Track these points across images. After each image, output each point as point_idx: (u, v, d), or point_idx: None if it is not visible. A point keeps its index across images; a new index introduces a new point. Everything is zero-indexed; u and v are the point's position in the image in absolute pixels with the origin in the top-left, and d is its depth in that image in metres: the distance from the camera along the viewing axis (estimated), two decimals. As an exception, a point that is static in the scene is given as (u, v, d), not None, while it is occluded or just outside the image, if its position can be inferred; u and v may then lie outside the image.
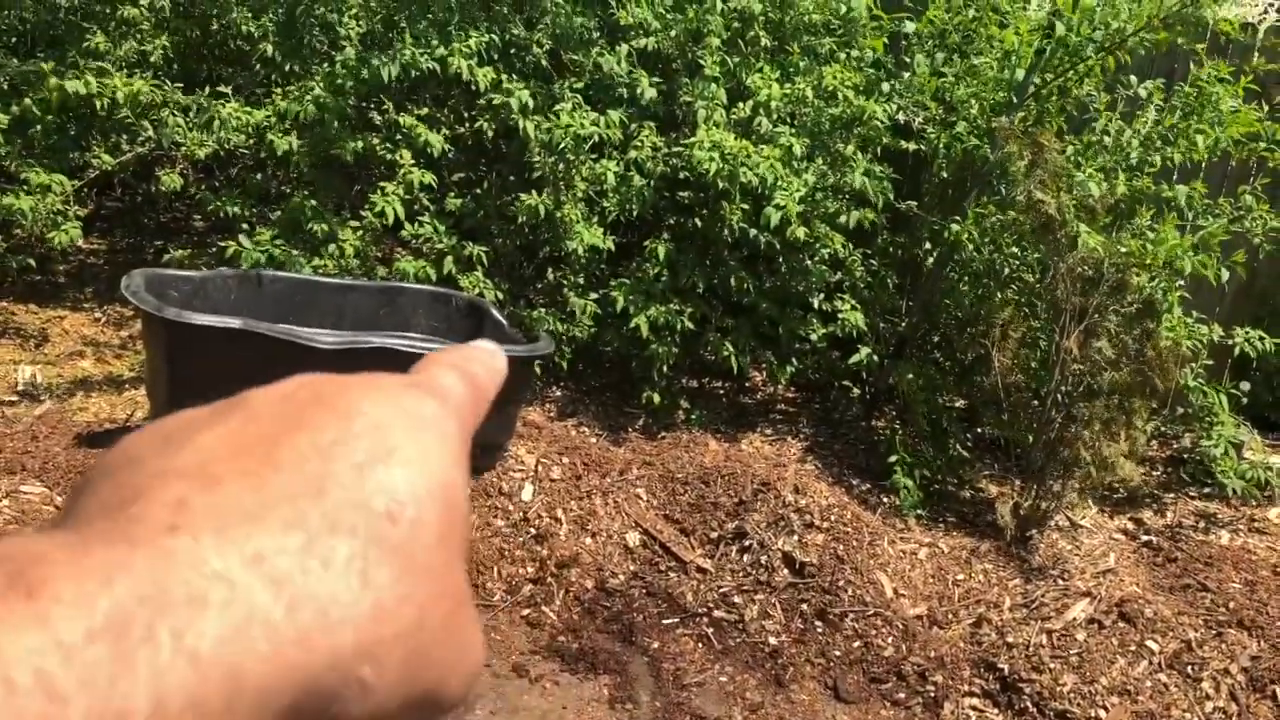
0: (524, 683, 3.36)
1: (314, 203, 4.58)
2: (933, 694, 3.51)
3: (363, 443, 0.35)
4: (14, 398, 4.37)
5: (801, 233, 4.33)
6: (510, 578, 3.80)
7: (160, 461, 0.34)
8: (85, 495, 0.34)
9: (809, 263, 4.75)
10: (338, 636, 0.31)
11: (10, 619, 0.26)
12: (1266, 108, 4.37)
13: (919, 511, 4.31)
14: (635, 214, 4.71)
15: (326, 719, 0.32)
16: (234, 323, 3.49)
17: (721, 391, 5.38)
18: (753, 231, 4.50)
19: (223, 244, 4.45)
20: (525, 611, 3.70)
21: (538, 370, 4.81)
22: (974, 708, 3.46)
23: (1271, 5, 7.20)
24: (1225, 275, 4.15)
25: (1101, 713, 3.30)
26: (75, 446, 3.85)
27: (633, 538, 4.03)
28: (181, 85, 4.74)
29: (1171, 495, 4.61)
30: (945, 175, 4.83)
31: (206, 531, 0.31)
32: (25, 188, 4.41)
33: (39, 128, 4.73)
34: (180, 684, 0.28)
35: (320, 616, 0.31)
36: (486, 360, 0.45)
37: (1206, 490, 4.54)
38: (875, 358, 4.85)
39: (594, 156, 4.69)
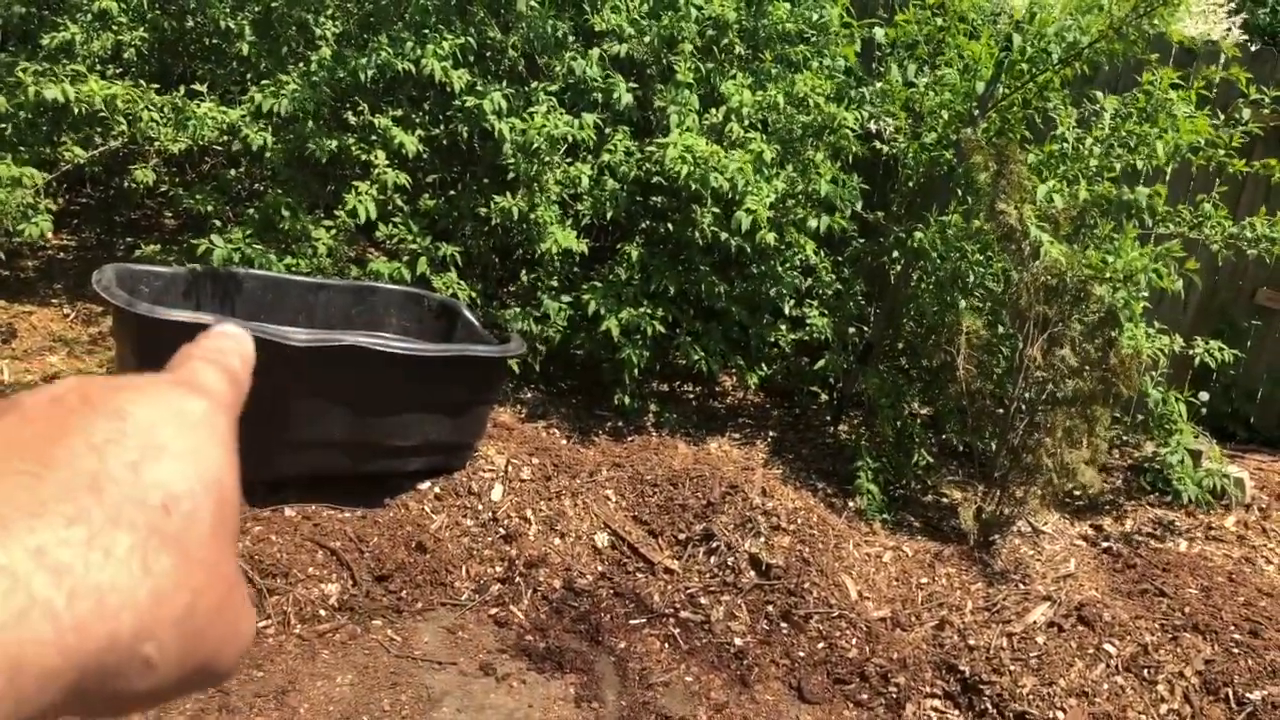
0: (491, 681, 3.38)
1: (288, 201, 4.58)
2: (895, 695, 3.56)
3: (133, 441, 0.37)
4: (-20, 392, 4.34)
5: (771, 238, 4.38)
6: (478, 577, 3.82)
7: None
8: None
9: (780, 269, 4.80)
10: (117, 621, 0.34)
11: None
12: (1223, 117, 4.46)
13: (884, 516, 4.36)
14: (609, 217, 4.74)
15: (110, 692, 0.35)
16: (206, 319, 3.49)
17: (691, 395, 5.42)
18: (723, 235, 4.55)
19: (195, 241, 4.44)
20: (493, 611, 3.72)
21: (516, 369, 4.84)
22: (935, 709, 3.51)
23: (1234, 24, 7.33)
24: (1179, 284, 4.23)
25: (1060, 714, 3.36)
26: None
27: (601, 538, 4.05)
28: (158, 86, 4.72)
29: (1132, 502, 4.69)
30: (913, 185, 4.90)
31: None
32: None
33: (10, 125, 4.70)
34: None
35: (100, 604, 0.33)
36: (238, 349, 0.48)
37: (1166, 498, 4.62)
38: (841, 364, 4.91)
39: (568, 160, 4.73)
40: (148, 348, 3.54)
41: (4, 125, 4.67)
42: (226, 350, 0.47)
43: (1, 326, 4.93)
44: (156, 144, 4.64)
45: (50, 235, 4.81)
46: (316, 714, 3.09)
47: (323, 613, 3.50)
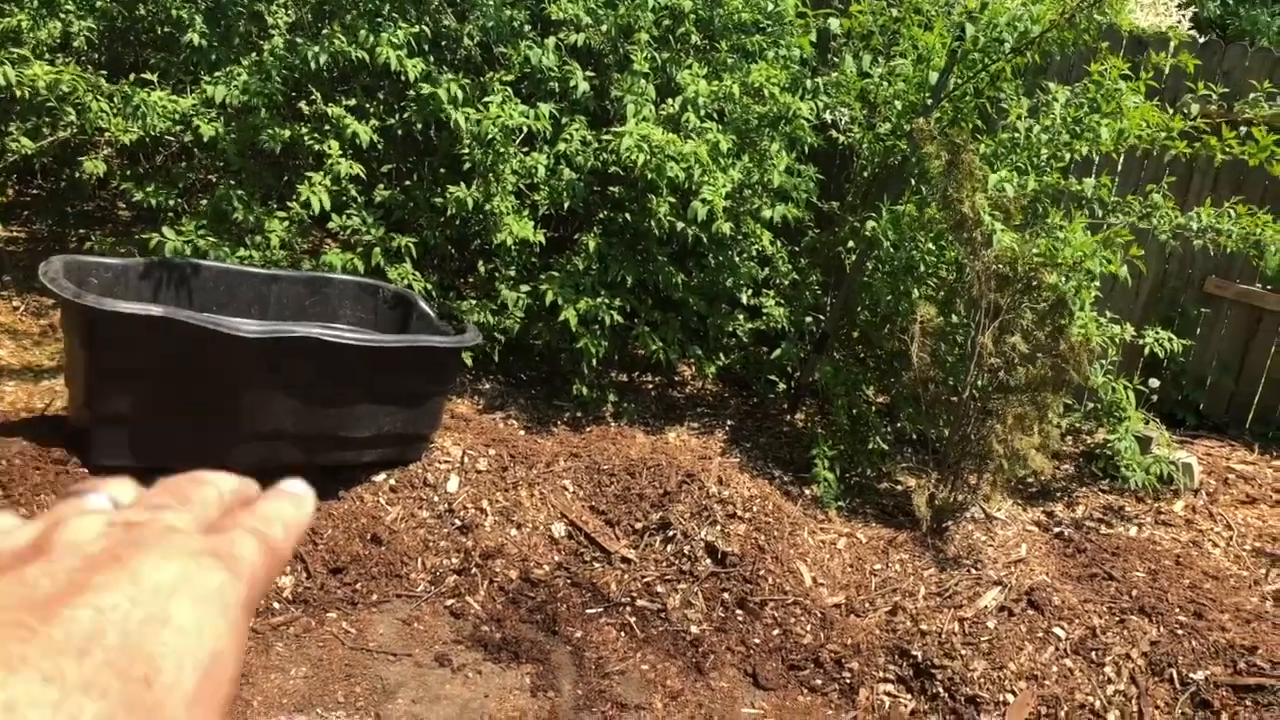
0: (446, 672, 3.38)
1: (240, 192, 4.54)
2: (849, 680, 3.59)
3: (140, 610, 0.38)
4: (-73, 386, 4.27)
5: (728, 227, 4.40)
6: (434, 568, 3.81)
7: None
8: None
9: (737, 259, 4.82)
10: None
11: None
12: (1172, 110, 4.52)
13: (839, 503, 4.40)
14: (566, 207, 4.74)
15: None
16: (155, 310, 3.46)
17: (650, 385, 5.44)
18: (680, 225, 4.56)
19: (146, 235, 4.39)
20: (449, 602, 3.71)
21: (474, 360, 4.82)
22: (888, 693, 3.55)
23: (1184, 17, 7.43)
24: (1124, 272, 4.29)
25: (1009, 696, 3.40)
26: (-10, 435, 3.78)
27: (558, 528, 4.06)
28: (106, 73, 4.66)
29: (1084, 489, 4.76)
30: (868, 175, 4.93)
31: None
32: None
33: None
34: None
35: None
36: (289, 517, 0.48)
37: (1117, 484, 4.69)
38: (798, 353, 4.94)
39: (524, 150, 4.71)
40: (96, 339, 3.50)
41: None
42: (275, 519, 0.47)
43: (-51, 319, 4.85)
44: (107, 135, 4.58)
45: (-1, 224, 4.74)
46: (270, 706, 3.08)
47: (276, 605, 3.49)
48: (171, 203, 4.73)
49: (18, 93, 4.28)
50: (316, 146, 4.57)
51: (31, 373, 4.51)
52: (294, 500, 0.50)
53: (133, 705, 0.36)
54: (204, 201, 4.66)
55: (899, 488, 4.67)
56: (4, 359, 4.61)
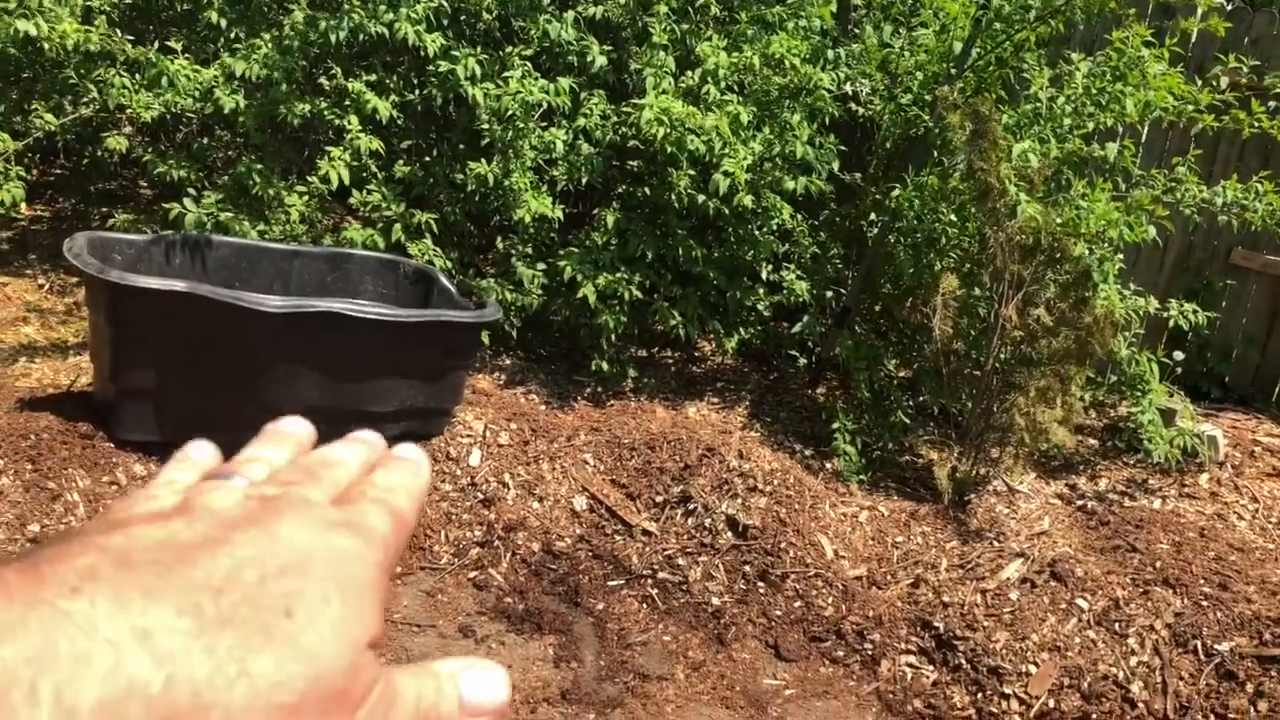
0: (470, 643, 3.41)
1: (260, 167, 4.55)
2: (871, 652, 3.60)
3: (277, 561, 0.38)
4: (-45, 363, 4.32)
5: (749, 200, 4.38)
6: (457, 541, 3.83)
7: (97, 537, 0.37)
8: (17, 558, 0.37)
9: (757, 233, 4.80)
10: (207, 718, 0.33)
11: None
12: (1199, 80, 4.46)
13: (860, 477, 4.39)
14: (584, 182, 4.73)
15: None
16: (178, 285, 3.48)
17: (670, 360, 5.44)
18: (700, 198, 4.54)
19: (167, 206, 4.41)
20: (472, 574, 3.74)
21: (494, 335, 4.83)
22: (910, 665, 3.55)
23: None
24: (1152, 233, 4.24)
25: (1032, 668, 3.40)
26: (17, 411, 3.82)
27: (579, 502, 4.07)
28: (133, 39, 4.68)
29: (1107, 462, 4.73)
30: (890, 146, 4.90)
31: (104, 599, 0.33)
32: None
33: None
34: None
35: (193, 697, 0.33)
36: (411, 484, 0.48)
37: (1141, 457, 4.66)
38: (819, 327, 4.92)
39: (543, 124, 4.70)
40: (119, 315, 3.53)
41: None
42: (398, 489, 0.47)
43: (-25, 297, 4.90)
44: (129, 111, 4.60)
45: (23, 203, 4.77)
46: (295, 677, 3.11)
47: (301, 578, 3.52)
48: (193, 177, 4.75)
49: (46, 46, 4.28)
50: (336, 121, 4.58)
51: (58, 349, 4.55)
52: (412, 468, 0.50)
53: (269, 635, 0.36)
54: (225, 177, 4.68)
55: (920, 461, 4.66)
56: (31, 336, 4.65)
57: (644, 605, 3.72)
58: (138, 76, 4.62)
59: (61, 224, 5.73)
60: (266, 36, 4.53)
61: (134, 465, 3.65)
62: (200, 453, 0.50)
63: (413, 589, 3.62)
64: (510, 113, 4.47)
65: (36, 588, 0.33)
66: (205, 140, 5.23)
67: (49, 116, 4.56)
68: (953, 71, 4.45)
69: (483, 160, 4.57)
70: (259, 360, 3.67)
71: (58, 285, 5.16)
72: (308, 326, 3.63)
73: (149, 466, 3.67)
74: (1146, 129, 5.13)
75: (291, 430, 0.52)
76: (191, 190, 4.62)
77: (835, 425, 4.47)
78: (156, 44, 4.66)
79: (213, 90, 4.48)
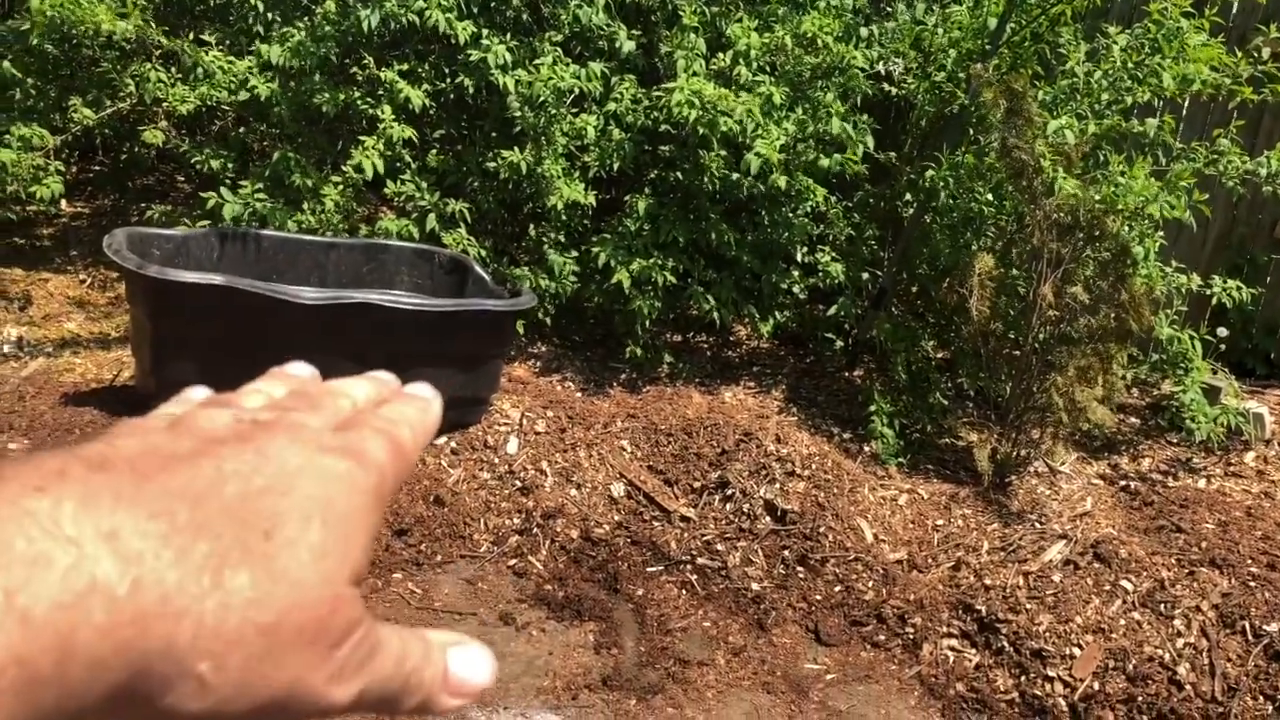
0: (510, 630, 3.42)
1: (296, 157, 4.58)
2: (912, 636, 3.58)
3: (262, 479, 0.37)
4: (1, 358, 4.39)
5: (783, 181, 4.34)
6: (497, 529, 3.85)
7: (76, 448, 0.35)
8: None
9: (791, 215, 4.77)
10: (177, 626, 0.32)
11: None
12: (1239, 51, 4.37)
13: (899, 459, 4.36)
14: (616, 168, 4.72)
15: (161, 708, 0.33)
16: (216, 279, 3.51)
17: (705, 345, 5.42)
18: (734, 178, 4.51)
19: (204, 195, 4.45)
20: (512, 561, 3.75)
21: (529, 323, 4.84)
22: (952, 648, 3.53)
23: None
24: (1187, 215, 4.16)
25: (1076, 650, 3.37)
26: (61, 406, 3.88)
27: (617, 488, 4.08)
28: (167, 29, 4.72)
29: (1150, 441, 4.67)
30: (924, 125, 4.84)
31: (70, 499, 0.32)
32: (7, 142, 4.41)
33: (19, 89, 4.71)
34: (6, 642, 0.29)
35: (162, 603, 0.32)
36: (416, 419, 0.47)
37: (1184, 436, 4.60)
38: (855, 309, 4.89)
39: (574, 111, 4.69)
40: (158, 309, 3.57)
41: (13, 90, 4.68)
42: (401, 421, 0.45)
43: (18, 294, 4.97)
44: (165, 105, 4.64)
45: (62, 197, 4.83)
46: (339, 665, 3.14)
47: (343, 567, 3.54)
48: (229, 167, 4.78)
49: (78, 34, 4.32)
50: (370, 111, 4.59)
51: (100, 344, 4.61)
52: (421, 404, 0.48)
53: (247, 551, 0.34)
54: (261, 167, 4.71)
55: (960, 443, 4.62)
56: (74, 331, 4.71)
57: (683, 591, 3.73)
58: (173, 70, 4.66)
59: (101, 220, 5.80)
60: (300, 25, 4.55)
61: (177, 457, 3.69)
62: (198, 392, 0.48)
63: (453, 576, 3.64)
64: (541, 99, 4.47)
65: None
66: (241, 131, 5.27)
67: (87, 111, 4.61)
68: (988, 48, 4.39)
69: (515, 148, 4.57)
70: (297, 352, 3.65)
71: (99, 280, 5.23)
72: (344, 318, 3.65)
73: (191, 458, 3.71)
74: (1187, 103, 5.03)
75: (295, 372, 0.51)
76: (228, 181, 4.66)
77: (873, 408, 4.44)
78: (191, 36, 4.69)
79: (248, 80, 4.51)
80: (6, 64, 4.59)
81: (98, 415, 3.78)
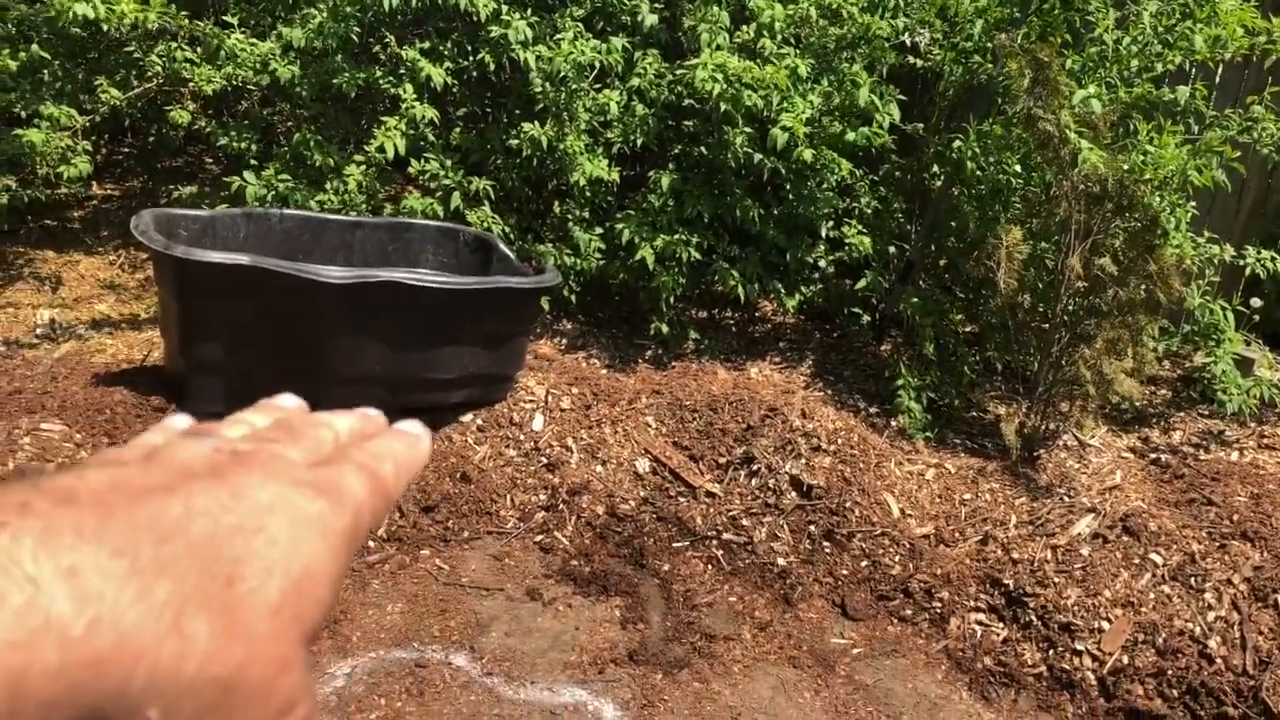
0: (537, 606, 3.44)
1: (318, 138, 4.59)
2: (939, 610, 3.57)
3: (232, 518, 0.36)
4: (34, 340, 4.44)
5: (809, 154, 4.31)
6: (523, 505, 3.87)
7: (45, 480, 0.35)
8: None
9: (816, 189, 4.74)
10: (132, 669, 0.31)
11: None
12: (1275, 17, 4.28)
13: (926, 434, 4.34)
14: (639, 144, 4.70)
15: None
16: (242, 259, 3.53)
17: (731, 321, 5.41)
18: (758, 156, 4.48)
19: (228, 179, 4.48)
20: (538, 538, 3.77)
21: (553, 300, 4.84)
22: (980, 622, 3.52)
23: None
24: (1221, 177, 4.09)
25: (1104, 624, 3.35)
26: (93, 386, 3.93)
27: (642, 464, 4.08)
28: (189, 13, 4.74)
29: (1181, 414, 4.62)
30: (951, 95, 4.79)
31: (30, 534, 0.31)
32: (36, 121, 4.45)
33: (48, 70, 4.75)
34: None
35: (119, 644, 0.31)
36: (402, 454, 0.46)
37: (1216, 408, 4.54)
38: (883, 283, 4.86)
39: (597, 86, 4.67)
40: (186, 289, 3.60)
41: (42, 71, 4.71)
42: (386, 456, 0.45)
43: (50, 276, 5.03)
44: (191, 85, 4.67)
45: (91, 178, 4.88)
46: (368, 641, 3.18)
47: (371, 544, 3.58)
48: (254, 148, 4.81)
49: (106, 27, 4.35)
50: (392, 90, 4.59)
51: (131, 324, 4.66)
52: (408, 440, 0.48)
53: (208, 598, 0.34)
54: (283, 147, 4.73)
55: (988, 417, 4.59)
56: (104, 312, 4.76)
57: (709, 566, 3.73)
58: (199, 50, 4.68)
59: (131, 202, 5.85)
60: (322, 4, 4.55)
61: (206, 436, 3.72)
62: (180, 421, 0.48)
63: (480, 552, 3.66)
64: (563, 75, 4.45)
65: None
66: (265, 111, 5.29)
67: (114, 91, 4.64)
68: (1016, 15, 4.33)
69: (536, 124, 4.56)
70: (323, 331, 3.72)
71: (129, 262, 5.28)
72: (370, 296, 3.67)
73: (221, 437, 3.75)
74: (1221, 69, 4.94)
75: (282, 403, 0.51)
76: (253, 162, 4.69)
77: (899, 382, 4.42)
78: (213, 19, 4.71)
79: (268, 63, 4.52)
80: (35, 46, 4.62)
81: (128, 395, 3.83)
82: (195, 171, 6.24)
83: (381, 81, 4.60)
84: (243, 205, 4.37)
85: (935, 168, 4.83)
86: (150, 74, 4.75)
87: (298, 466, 0.41)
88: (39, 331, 4.51)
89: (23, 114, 4.70)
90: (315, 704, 0.39)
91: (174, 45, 4.64)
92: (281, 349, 3.72)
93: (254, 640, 0.35)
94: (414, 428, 0.49)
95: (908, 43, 4.88)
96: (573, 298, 4.87)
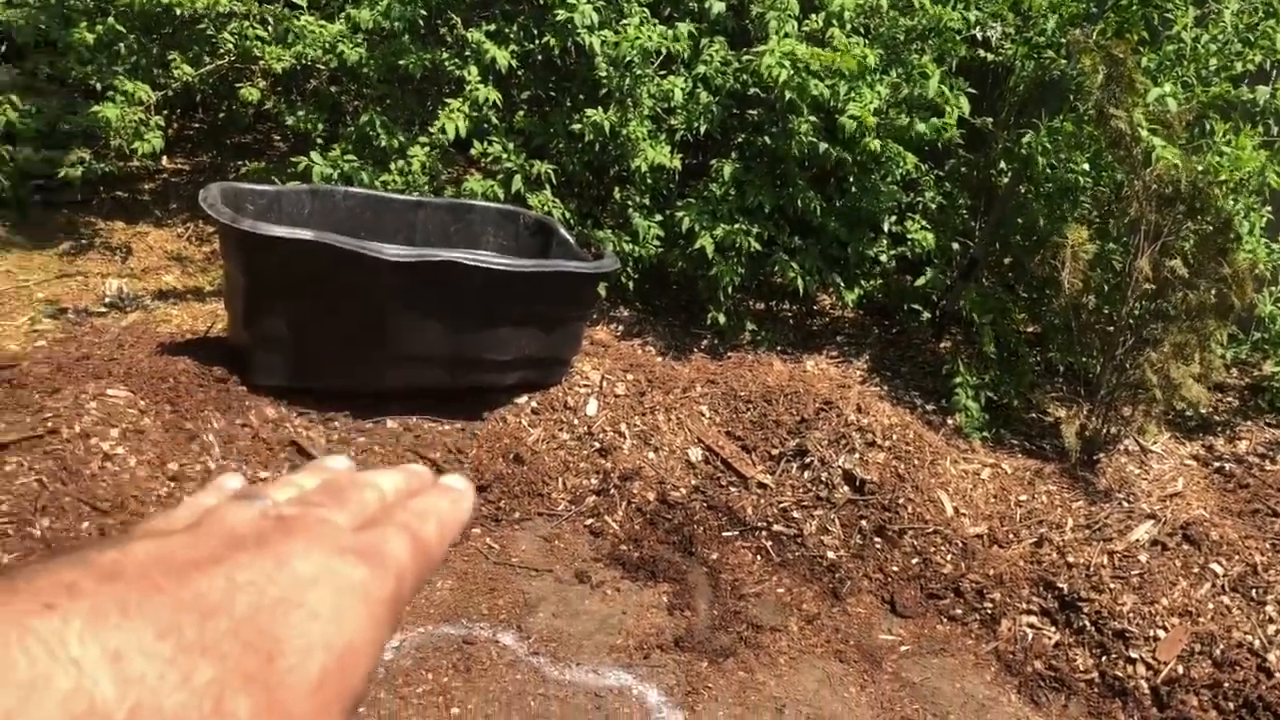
0: (585, 588, 3.46)
1: (383, 119, 4.63)
2: (990, 611, 3.53)
3: (276, 590, 0.36)
4: (102, 309, 4.54)
5: (875, 145, 4.26)
6: (574, 488, 3.88)
7: (93, 552, 0.35)
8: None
9: (880, 182, 4.69)
10: None
11: None
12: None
13: (983, 433, 4.29)
14: (703, 131, 4.68)
15: None
16: (305, 234, 3.58)
17: (788, 314, 5.37)
18: (824, 145, 4.44)
19: (295, 159, 4.54)
20: (588, 521, 3.78)
21: (611, 286, 4.85)
22: (1031, 625, 3.47)
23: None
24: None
25: (1160, 633, 3.29)
26: (158, 355, 4.00)
27: (695, 453, 4.08)
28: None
29: (1248, 423, 4.51)
30: (1021, 91, 4.71)
31: (78, 616, 0.31)
32: (111, 95, 4.54)
33: (124, 44, 4.84)
34: None
35: None
36: (448, 513, 0.46)
37: (1285, 418, 4.43)
38: (944, 280, 4.80)
39: (661, 72, 4.66)
40: (251, 262, 3.65)
41: (118, 45, 4.81)
42: (429, 514, 0.45)
43: (120, 246, 5.13)
44: (261, 63, 4.73)
45: (163, 153, 4.96)
46: (419, 617, 3.21)
47: (423, 520, 3.61)
48: (320, 128, 4.86)
49: (178, 11, 4.43)
50: (456, 72, 4.62)
51: (196, 296, 4.74)
52: (452, 496, 0.48)
53: (250, 678, 0.34)
54: (350, 128, 4.78)
55: (1047, 419, 4.52)
56: (170, 284, 4.85)
57: (758, 557, 3.72)
58: (270, 29, 4.74)
59: (200, 176, 5.95)
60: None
61: (266, 409, 3.79)
62: (232, 481, 0.48)
63: (530, 533, 3.68)
64: (628, 60, 4.45)
65: (7, 603, 0.31)
66: (333, 90, 5.35)
67: (187, 68, 4.72)
68: (1093, 10, 4.24)
69: (599, 109, 4.56)
70: (383, 308, 3.75)
71: (197, 235, 5.37)
72: (430, 276, 3.69)
73: (279, 410, 3.81)
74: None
75: (332, 465, 0.51)
76: (319, 141, 4.74)
77: (958, 380, 4.36)
78: (282, 3, 4.77)
79: (337, 44, 4.57)
80: (111, 19, 4.71)
81: (191, 365, 3.90)
82: (263, 148, 6.33)
83: (447, 63, 4.63)
84: (309, 183, 4.43)
85: (1003, 164, 4.76)
86: (222, 51, 4.83)
87: (342, 532, 0.41)
88: (107, 300, 4.61)
89: (98, 86, 4.80)
90: None
91: (245, 24, 4.71)
92: (342, 325, 3.76)
93: (289, 718, 0.35)
94: (457, 483, 0.50)
95: (978, 36, 4.81)
96: (630, 284, 4.87)
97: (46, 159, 4.90)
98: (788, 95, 4.26)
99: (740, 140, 4.79)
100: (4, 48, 5.73)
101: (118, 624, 0.32)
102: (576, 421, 4.12)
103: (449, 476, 0.50)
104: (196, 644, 0.33)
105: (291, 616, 0.36)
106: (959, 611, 3.54)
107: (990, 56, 4.84)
